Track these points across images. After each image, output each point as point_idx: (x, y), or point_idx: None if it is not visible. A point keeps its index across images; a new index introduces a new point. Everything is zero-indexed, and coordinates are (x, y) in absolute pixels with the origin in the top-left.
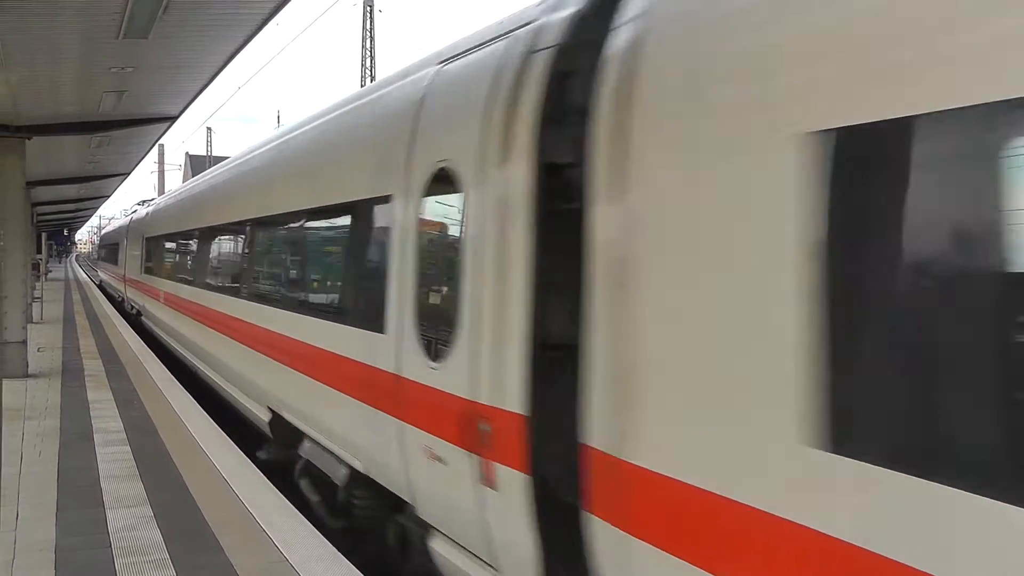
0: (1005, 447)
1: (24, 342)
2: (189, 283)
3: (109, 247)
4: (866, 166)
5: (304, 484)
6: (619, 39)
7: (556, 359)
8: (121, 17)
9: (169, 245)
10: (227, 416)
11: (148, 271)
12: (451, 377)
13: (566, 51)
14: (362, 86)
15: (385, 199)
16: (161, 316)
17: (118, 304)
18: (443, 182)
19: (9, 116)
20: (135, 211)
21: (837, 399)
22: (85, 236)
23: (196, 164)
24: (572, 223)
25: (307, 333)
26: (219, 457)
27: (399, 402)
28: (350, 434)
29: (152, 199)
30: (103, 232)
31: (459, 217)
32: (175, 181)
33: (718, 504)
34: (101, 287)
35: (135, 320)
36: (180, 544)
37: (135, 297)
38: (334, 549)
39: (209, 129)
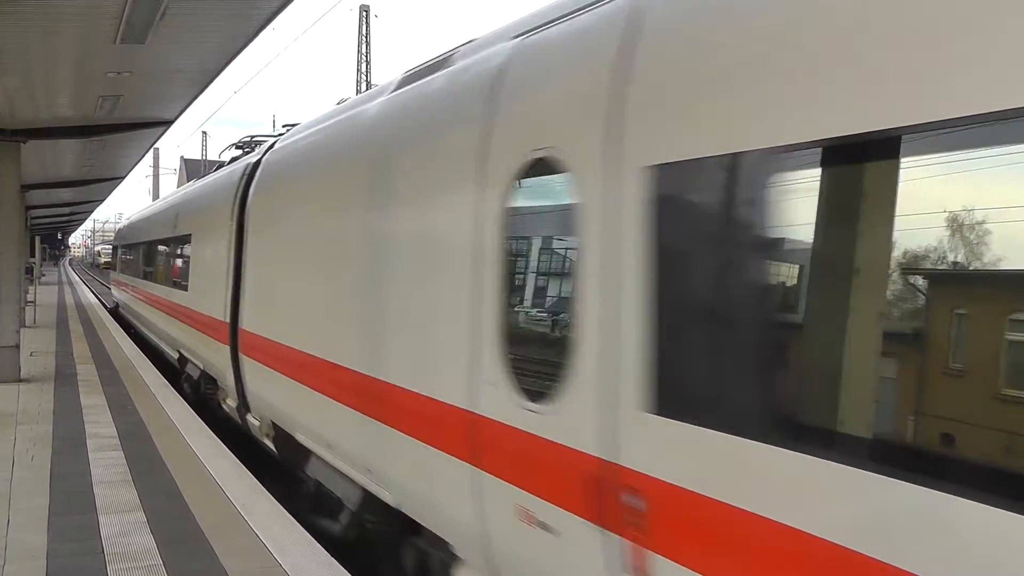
0: None
1: (17, 346)
2: None
3: (150, 247)
4: None
5: None
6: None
7: None
8: (118, 22)
9: None
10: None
11: None
12: None
13: None
14: (358, 92)
15: None
16: None
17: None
18: None
19: (4, 119)
20: (265, 145)
21: None
22: (78, 240)
23: (191, 168)
24: None
25: None
26: (213, 462)
27: None
28: None
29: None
30: (134, 218)
31: None
32: (170, 186)
33: None
34: (117, 313)
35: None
36: (173, 550)
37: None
38: (328, 555)
39: (204, 133)
